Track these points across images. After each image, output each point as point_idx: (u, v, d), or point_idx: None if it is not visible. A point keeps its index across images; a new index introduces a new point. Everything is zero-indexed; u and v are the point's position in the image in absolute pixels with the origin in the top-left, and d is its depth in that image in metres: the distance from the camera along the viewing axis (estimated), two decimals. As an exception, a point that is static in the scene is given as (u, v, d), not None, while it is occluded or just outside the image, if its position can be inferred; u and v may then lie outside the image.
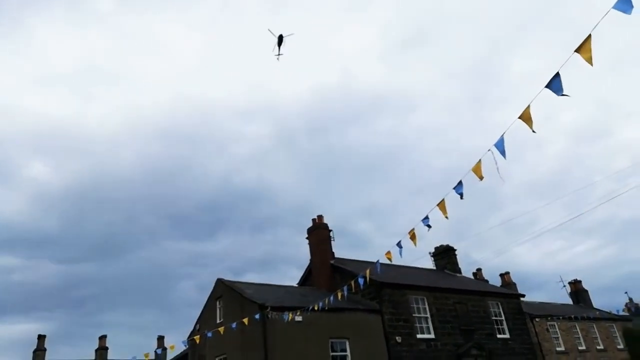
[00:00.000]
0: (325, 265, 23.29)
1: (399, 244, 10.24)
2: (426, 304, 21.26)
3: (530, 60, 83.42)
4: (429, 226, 9.09)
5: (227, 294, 20.11)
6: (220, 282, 20.95)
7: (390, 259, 10.78)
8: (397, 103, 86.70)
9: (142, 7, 78.52)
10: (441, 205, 8.87)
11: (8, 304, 62.32)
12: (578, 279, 36.94)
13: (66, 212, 75.77)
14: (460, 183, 8.51)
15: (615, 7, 5.36)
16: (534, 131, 7.23)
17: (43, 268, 75.48)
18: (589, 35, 6.43)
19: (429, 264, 30.72)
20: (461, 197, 8.55)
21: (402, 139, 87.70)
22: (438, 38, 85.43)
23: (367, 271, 12.74)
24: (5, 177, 71.91)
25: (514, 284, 31.27)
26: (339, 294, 14.05)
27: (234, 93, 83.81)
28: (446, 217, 8.72)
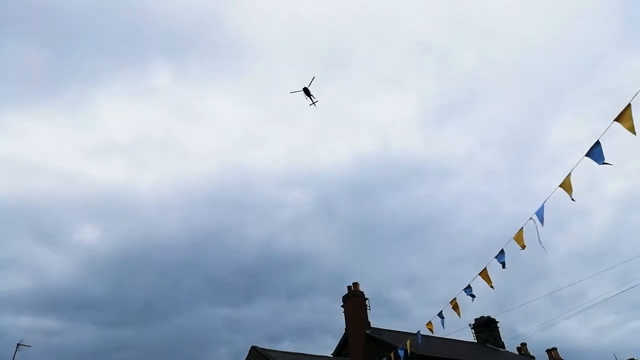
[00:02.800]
0: (361, 335, 22.56)
1: (440, 314, 9.96)
2: (468, 380, 20.06)
3: (570, 129, 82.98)
4: (473, 296, 8.85)
5: (260, 363, 19.60)
6: (253, 350, 20.50)
7: (431, 330, 10.45)
8: (435, 170, 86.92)
9: (194, 82, 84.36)
10: (484, 274, 8.71)
11: (48, 368, 62.48)
12: (635, 358, 34.04)
13: (112, 275, 77.49)
14: (502, 252, 8.39)
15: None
16: (573, 199, 7.22)
17: (84, 331, 76.24)
18: (629, 105, 6.53)
19: (468, 336, 29.25)
20: (503, 266, 8.39)
21: (441, 206, 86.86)
22: (475, 107, 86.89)
23: (408, 343, 12.30)
24: (56, 241, 75.09)
25: (563, 361, 29.16)
26: (378, 366, 13.53)
27: (276, 161, 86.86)
28: (491, 287, 8.52)
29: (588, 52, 79.38)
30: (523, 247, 7.50)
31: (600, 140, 7.11)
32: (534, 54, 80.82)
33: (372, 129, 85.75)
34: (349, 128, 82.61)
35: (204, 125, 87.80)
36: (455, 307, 9.25)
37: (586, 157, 7.22)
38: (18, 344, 21.95)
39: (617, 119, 6.88)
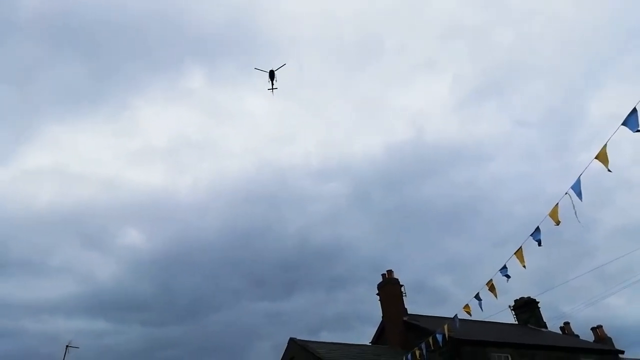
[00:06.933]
0: (398, 322, 22.48)
1: (477, 297, 9.78)
2: (511, 362, 19.71)
3: (611, 102, 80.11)
4: (508, 276, 8.67)
5: (299, 354, 19.82)
6: (292, 342, 20.74)
7: (469, 313, 10.28)
8: (472, 153, 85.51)
9: (227, 83, 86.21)
10: (519, 254, 8.49)
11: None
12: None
13: (156, 276, 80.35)
14: (537, 229, 8.15)
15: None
16: (609, 170, 6.93)
17: (131, 331, 79.30)
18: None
19: (509, 318, 28.73)
20: (539, 244, 8.16)
21: (480, 189, 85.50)
22: (512, 87, 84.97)
23: (446, 327, 12.15)
24: (103, 246, 78.28)
25: (610, 339, 28.29)
26: (417, 353, 13.41)
27: (311, 155, 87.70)
28: (524, 267, 8.31)
29: (626, 23, 76.13)
30: (557, 222, 7.27)
31: (637, 108, 6.79)
32: (570, 28, 78.26)
33: (406, 117, 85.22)
34: (382, 118, 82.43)
35: (238, 125, 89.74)
36: (492, 288, 9.06)
37: (623, 127, 6.91)
38: (67, 346, 22.86)
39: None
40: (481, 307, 9.73)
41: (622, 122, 6.90)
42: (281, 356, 21.37)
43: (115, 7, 71.87)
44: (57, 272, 71.04)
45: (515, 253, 8.42)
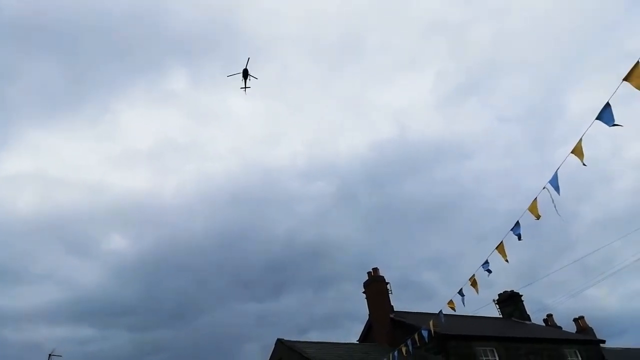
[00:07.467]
0: (385, 320, 22.60)
1: (460, 292, 9.90)
2: (496, 355, 19.99)
3: (589, 96, 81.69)
4: (489, 271, 8.79)
5: (287, 355, 19.77)
6: (280, 343, 20.68)
7: (453, 309, 10.39)
8: (455, 150, 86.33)
9: (210, 83, 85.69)
10: (500, 248, 8.61)
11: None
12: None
13: (142, 281, 79.19)
14: (517, 224, 8.28)
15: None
16: (584, 164, 7.06)
17: (118, 337, 78.10)
18: (637, 63, 6.33)
19: (493, 312, 29.14)
20: (519, 239, 8.30)
21: (463, 186, 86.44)
22: (492, 83, 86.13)
23: (431, 323, 12.25)
24: (86, 252, 76.98)
25: (591, 329, 28.89)
26: (404, 350, 13.49)
27: (296, 156, 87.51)
28: (506, 261, 8.43)
29: (604, 17, 77.67)
30: (538, 217, 7.40)
31: (610, 102, 6.92)
32: (549, 24, 79.60)
33: (389, 115, 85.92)
34: (366, 116, 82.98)
35: (223, 126, 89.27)
36: (474, 283, 9.18)
37: (599, 122, 7.03)
38: (50, 355, 22.45)
39: (626, 79, 6.69)
40: (463, 303, 9.87)
41: (596, 116, 7.04)
42: (269, 357, 21.30)
43: (94, 8, 70.85)
44: (40, 278, 69.80)
45: (496, 248, 8.54)
